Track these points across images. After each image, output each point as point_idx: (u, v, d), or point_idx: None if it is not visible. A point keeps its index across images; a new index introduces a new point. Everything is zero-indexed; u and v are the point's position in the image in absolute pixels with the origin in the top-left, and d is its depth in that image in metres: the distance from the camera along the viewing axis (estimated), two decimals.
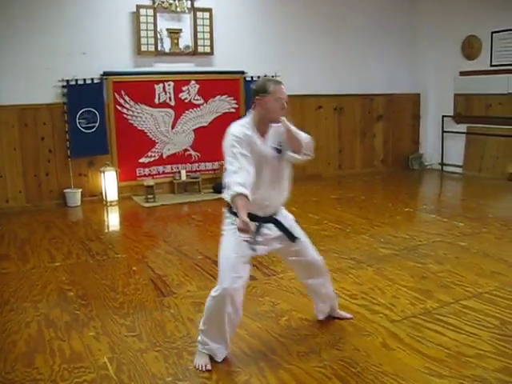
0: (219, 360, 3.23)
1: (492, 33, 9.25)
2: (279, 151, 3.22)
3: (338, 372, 3.11)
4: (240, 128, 3.13)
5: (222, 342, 3.22)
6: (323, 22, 9.60)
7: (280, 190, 3.32)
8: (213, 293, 3.15)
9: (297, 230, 3.44)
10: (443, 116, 10.20)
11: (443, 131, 10.27)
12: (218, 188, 8.01)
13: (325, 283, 3.66)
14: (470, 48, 9.68)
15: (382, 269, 4.87)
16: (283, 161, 3.27)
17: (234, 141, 3.05)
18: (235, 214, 3.04)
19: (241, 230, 2.83)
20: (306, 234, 3.54)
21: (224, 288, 3.08)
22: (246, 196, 2.89)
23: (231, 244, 3.16)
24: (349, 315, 3.83)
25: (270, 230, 3.29)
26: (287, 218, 3.44)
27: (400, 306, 4.03)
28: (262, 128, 3.19)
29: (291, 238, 3.34)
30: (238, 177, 2.94)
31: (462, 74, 9.83)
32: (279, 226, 3.32)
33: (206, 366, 3.16)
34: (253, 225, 3.05)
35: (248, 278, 3.22)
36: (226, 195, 2.98)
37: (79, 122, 7.85)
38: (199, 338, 3.27)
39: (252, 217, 3.02)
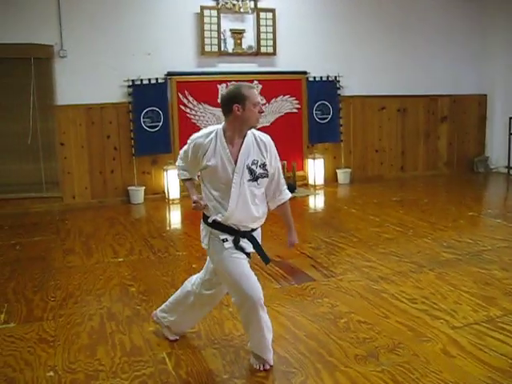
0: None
1: None
2: (251, 173, 3.04)
3: (395, 377, 3.06)
4: (200, 139, 3.05)
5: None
6: (387, 21, 9.48)
7: (249, 208, 3.07)
8: (241, 307, 3.09)
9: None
10: (511, 118, 9.89)
11: (510, 133, 9.96)
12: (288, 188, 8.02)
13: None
14: None
15: (443, 273, 4.77)
16: (259, 183, 3.08)
17: (188, 145, 3.13)
18: (212, 226, 3.08)
19: (194, 207, 3.09)
20: None
21: (248, 297, 3.01)
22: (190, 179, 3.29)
23: (226, 254, 3.06)
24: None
25: (247, 244, 3.13)
26: (259, 236, 3.26)
27: (462, 313, 3.94)
28: (233, 136, 3.03)
29: (265, 258, 3.20)
30: (182, 164, 3.29)
31: None
32: (254, 243, 3.17)
33: (264, 366, 3.14)
34: (230, 237, 3.07)
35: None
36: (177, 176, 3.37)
37: (143, 121, 8.02)
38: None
39: (229, 229, 3.06)
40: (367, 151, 9.64)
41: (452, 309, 4.01)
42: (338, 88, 9.12)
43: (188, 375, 3.13)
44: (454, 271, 4.82)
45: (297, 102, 8.96)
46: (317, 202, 7.96)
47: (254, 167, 3.03)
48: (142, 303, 4.26)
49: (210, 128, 3.12)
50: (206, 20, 8.19)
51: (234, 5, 8.29)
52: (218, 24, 8.26)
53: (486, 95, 10.55)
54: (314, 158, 8.88)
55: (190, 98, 8.29)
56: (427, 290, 4.39)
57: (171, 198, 8.08)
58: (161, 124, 8.12)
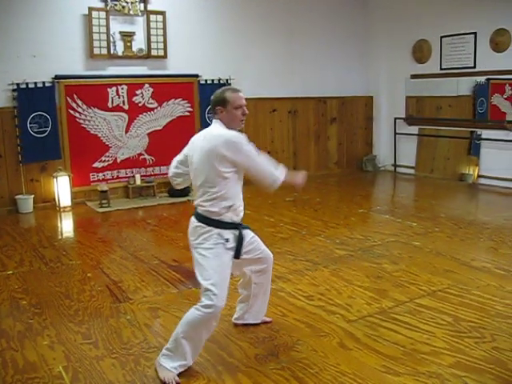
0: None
1: (441, 37, 9.48)
2: None
3: (296, 373, 3.12)
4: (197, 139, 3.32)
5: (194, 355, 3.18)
6: (277, 24, 9.66)
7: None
8: (204, 309, 3.05)
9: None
10: (395, 118, 10.38)
11: (396, 133, 10.45)
12: (173, 192, 7.97)
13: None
14: (421, 52, 9.89)
15: (337, 270, 4.92)
16: None
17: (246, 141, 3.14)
18: (219, 226, 3.13)
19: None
20: None
21: (219, 306, 3.06)
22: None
23: (224, 262, 3.14)
24: (268, 319, 3.83)
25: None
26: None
27: (356, 306, 4.08)
28: None
29: (238, 253, 3.25)
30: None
31: (413, 76, 10.03)
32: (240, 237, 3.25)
33: (175, 379, 3.06)
34: (233, 234, 3.18)
35: None
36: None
37: (30, 127, 7.68)
38: (165, 352, 3.16)
39: (232, 225, 3.19)
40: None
41: (347, 303, 4.14)
42: None
43: None
44: (347, 267, 4.99)
45: (189, 105, 8.93)
46: None
47: None
48: (35, 316, 4.08)
49: (202, 132, 3.35)
50: (95, 22, 7.97)
51: (123, 7, 8.13)
52: (107, 26, 8.06)
53: (372, 97, 11.01)
54: None
55: (79, 102, 8.04)
56: (322, 287, 4.51)
57: (62, 205, 7.80)
58: (49, 129, 7.82)
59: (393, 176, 10.41)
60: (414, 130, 10.17)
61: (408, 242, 5.74)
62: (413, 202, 8.40)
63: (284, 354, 3.36)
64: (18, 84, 7.56)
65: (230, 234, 3.16)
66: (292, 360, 3.28)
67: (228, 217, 3.15)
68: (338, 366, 3.19)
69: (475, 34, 8.96)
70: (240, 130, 3.22)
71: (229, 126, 3.20)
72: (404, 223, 6.55)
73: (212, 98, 3.28)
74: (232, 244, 3.16)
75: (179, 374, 3.10)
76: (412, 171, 10.26)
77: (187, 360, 3.14)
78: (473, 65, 9.08)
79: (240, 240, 3.19)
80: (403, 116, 10.29)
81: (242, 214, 3.27)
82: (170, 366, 3.10)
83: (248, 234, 3.32)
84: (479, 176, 9.15)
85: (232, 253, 3.17)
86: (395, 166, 10.60)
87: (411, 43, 10.02)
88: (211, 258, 3.09)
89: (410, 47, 10.07)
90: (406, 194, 9.19)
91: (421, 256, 5.27)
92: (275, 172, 3.21)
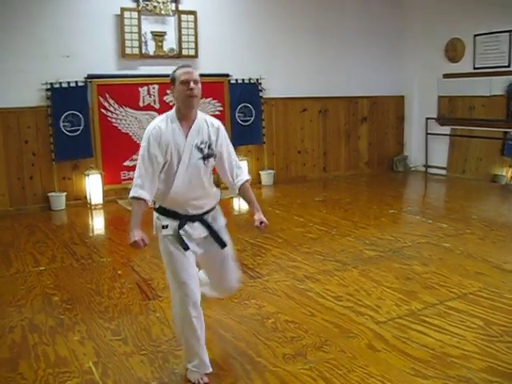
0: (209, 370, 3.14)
1: (475, 36, 9.35)
2: (201, 151, 3.06)
3: (323, 374, 3.11)
4: (156, 122, 3.05)
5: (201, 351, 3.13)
6: (308, 23, 9.62)
7: (202, 190, 3.11)
8: (174, 305, 3.08)
9: (224, 236, 3.29)
10: (427, 118, 10.27)
11: (427, 133, 10.33)
12: None
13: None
14: (454, 51, 9.76)
15: (367, 270, 4.89)
16: (206, 163, 3.08)
17: (145, 140, 3.01)
18: (162, 213, 3.12)
19: (132, 245, 3.01)
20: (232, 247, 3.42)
21: (181, 295, 3.02)
22: (144, 200, 2.99)
23: (170, 249, 3.09)
24: None
25: (195, 230, 3.14)
26: (218, 220, 3.28)
27: (385, 308, 4.05)
28: (183, 119, 3.04)
29: (220, 243, 3.21)
30: (140, 180, 2.98)
31: (446, 76, 9.91)
32: (205, 225, 3.18)
33: (202, 379, 3.07)
34: (174, 223, 3.08)
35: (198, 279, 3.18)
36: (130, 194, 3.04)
37: (63, 125, 7.80)
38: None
39: (173, 214, 3.09)
40: (290, 152, 9.76)
41: (376, 304, 4.12)
42: (260, 90, 9.18)
43: None
44: (377, 268, 4.95)
45: (219, 104, 8.96)
46: (241, 203, 7.97)
47: (202, 146, 3.06)
48: (66, 312, 4.14)
49: (162, 115, 3.13)
50: (127, 22, 8.06)
51: (154, 7, 8.20)
52: (139, 26, 8.14)
53: (403, 96, 10.90)
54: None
55: (111, 102, 8.13)
56: (351, 287, 4.49)
57: (93, 203, 7.90)
58: (81, 128, 7.92)
59: (424, 177, 10.29)
60: (446, 130, 10.04)
61: (438, 244, 5.68)
62: (444, 203, 8.30)
63: (312, 355, 3.35)
64: (51, 83, 7.68)
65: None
66: (320, 360, 3.27)
67: None
68: (366, 368, 3.17)
69: (510, 32, 8.81)
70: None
71: (181, 106, 3.01)
72: (435, 224, 6.48)
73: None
74: None
75: (207, 374, 3.11)
76: (443, 172, 10.14)
77: (199, 357, 3.10)
78: (507, 64, 8.93)
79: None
80: (435, 116, 10.17)
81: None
82: (190, 365, 3.12)
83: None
84: None
85: None
86: (426, 166, 10.48)
87: (444, 42, 9.90)
88: None
89: (442, 46, 9.94)
90: (437, 194, 9.08)
91: (451, 258, 5.20)
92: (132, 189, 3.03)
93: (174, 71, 3.03)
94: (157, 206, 3.16)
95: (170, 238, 3.08)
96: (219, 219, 3.29)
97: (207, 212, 3.20)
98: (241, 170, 3.30)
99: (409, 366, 3.18)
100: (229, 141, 3.24)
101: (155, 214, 3.18)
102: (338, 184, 9.54)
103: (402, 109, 10.95)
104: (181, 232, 3.07)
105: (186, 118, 3.05)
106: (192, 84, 2.95)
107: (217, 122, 3.19)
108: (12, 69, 7.47)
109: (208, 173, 3.14)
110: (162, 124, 3.02)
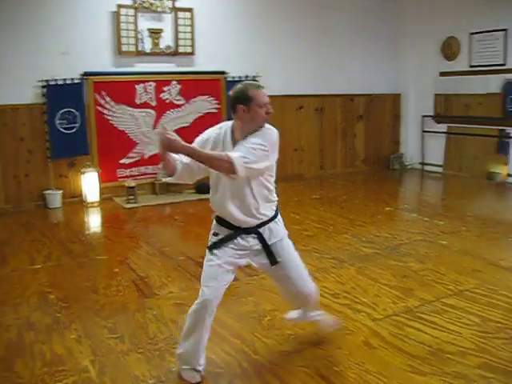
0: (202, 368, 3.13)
1: (470, 34, 9.35)
2: None
3: (320, 371, 3.12)
4: (213, 129, 3.07)
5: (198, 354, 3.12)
6: (305, 21, 9.61)
7: (243, 203, 2.99)
8: (194, 305, 3.06)
9: (286, 253, 3.17)
10: (423, 116, 10.28)
11: (423, 131, 10.35)
12: (200, 188, 8.00)
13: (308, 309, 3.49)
14: (450, 49, 9.77)
15: (363, 268, 4.90)
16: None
17: (199, 137, 3.07)
18: (218, 223, 3.09)
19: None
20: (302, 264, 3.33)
21: (201, 300, 3.01)
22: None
23: (209, 256, 3.07)
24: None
25: (248, 243, 3.07)
26: (278, 235, 3.15)
27: (382, 305, 4.06)
28: (238, 135, 2.96)
29: (271, 258, 3.10)
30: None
31: (442, 74, 9.92)
32: (260, 240, 3.08)
33: (195, 378, 3.07)
34: (225, 232, 3.05)
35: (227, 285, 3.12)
36: None
37: (59, 123, 7.77)
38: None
39: (228, 225, 3.05)
40: (286, 150, 9.73)
41: (372, 302, 4.12)
42: None
43: (113, 382, 3.07)
44: (374, 265, 4.96)
45: (216, 102, 8.95)
46: None
47: None
48: (62, 310, 4.13)
49: (221, 124, 3.10)
50: (123, 19, 8.03)
51: (151, 4, 8.18)
52: (135, 23, 8.12)
53: (399, 94, 10.91)
54: None
55: (108, 99, 8.11)
56: (348, 285, 4.50)
57: (90, 201, 7.88)
58: (77, 125, 7.90)
59: (420, 174, 10.31)
60: (443, 128, 10.05)
61: (435, 241, 5.69)
62: (440, 201, 8.31)
63: (309, 352, 3.35)
64: (47, 81, 7.65)
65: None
66: (317, 358, 3.28)
67: None
68: (363, 365, 3.18)
69: (506, 30, 8.83)
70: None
71: (250, 126, 2.92)
72: (431, 222, 6.49)
73: (230, 94, 2.98)
74: None
75: (203, 371, 3.11)
76: (440, 169, 10.15)
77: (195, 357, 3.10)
78: (503, 62, 8.95)
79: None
80: (431, 114, 10.18)
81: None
82: (185, 364, 3.11)
83: None
84: (508, 175, 9.01)
85: None
86: (423, 164, 10.49)
87: (440, 40, 9.90)
88: None
89: (439, 44, 9.94)
90: (434, 192, 9.10)
91: (448, 255, 5.21)
92: None
93: (246, 89, 2.91)
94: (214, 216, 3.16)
95: (213, 250, 3.05)
96: (278, 234, 3.17)
97: (263, 224, 3.09)
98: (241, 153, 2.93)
99: (405, 362, 3.19)
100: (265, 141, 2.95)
101: (214, 227, 3.14)
102: (334, 182, 9.54)
103: (398, 107, 10.95)
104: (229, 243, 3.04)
105: (245, 134, 2.95)
106: (270, 107, 2.95)
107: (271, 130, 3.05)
108: (7, 66, 7.44)
109: (252, 184, 2.98)
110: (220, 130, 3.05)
